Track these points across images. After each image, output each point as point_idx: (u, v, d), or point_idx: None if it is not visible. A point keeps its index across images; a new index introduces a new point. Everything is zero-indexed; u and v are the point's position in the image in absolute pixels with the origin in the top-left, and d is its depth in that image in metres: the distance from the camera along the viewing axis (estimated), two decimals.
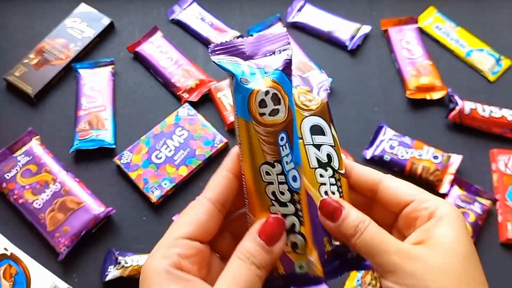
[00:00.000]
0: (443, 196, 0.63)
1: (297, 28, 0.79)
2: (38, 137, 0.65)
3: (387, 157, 0.65)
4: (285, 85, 0.23)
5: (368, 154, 0.66)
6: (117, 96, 0.71)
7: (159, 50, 0.74)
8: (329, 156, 0.27)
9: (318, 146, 0.27)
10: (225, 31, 0.76)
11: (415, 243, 0.25)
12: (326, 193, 0.26)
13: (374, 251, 0.24)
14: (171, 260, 0.23)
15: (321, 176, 0.26)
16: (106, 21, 0.76)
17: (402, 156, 0.65)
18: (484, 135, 0.69)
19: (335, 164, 0.27)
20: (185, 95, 0.70)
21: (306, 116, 0.27)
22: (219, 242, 0.26)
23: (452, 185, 0.63)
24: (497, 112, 0.67)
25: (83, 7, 0.77)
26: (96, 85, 0.70)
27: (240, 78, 0.22)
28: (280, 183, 0.23)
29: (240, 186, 0.25)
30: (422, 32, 0.78)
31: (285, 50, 0.23)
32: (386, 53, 0.77)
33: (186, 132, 0.66)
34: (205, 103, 0.71)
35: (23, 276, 0.56)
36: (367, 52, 0.77)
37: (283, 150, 0.23)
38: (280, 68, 0.23)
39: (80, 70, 0.71)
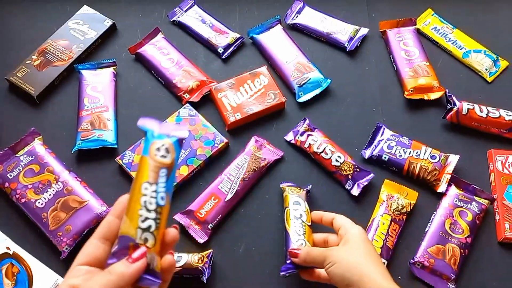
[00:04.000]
0: (441, 195, 0.64)
1: (296, 30, 0.80)
2: (40, 137, 0.66)
3: (385, 157, 0.66)
4: (176, 147, 0.35)
5: (367, 154, 0.67)
6: (119, 97, 0.72)
7: (160, 51, 0.75)
8: (300, 215, 0.58)
9: (295, 210, 0.58)
10: (225, 33, 0.77)
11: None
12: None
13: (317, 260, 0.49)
14: (67, 282, 0.33)
15: (294, 225, 0.57)
16: (108, 22, 0.77)
17: (400, 156, 0.65)
18: (482, 135, 0.69)
19: (304, 219, 0.58)
20: (186, 96, 0.71)
21: (292, 194, 0.60)
22: None
23: (449, 185, 0.64)
24: (494, 113, 0.68)
25: (85, 9, 0.78)
26: (98, 86, 0.71)
27: (152, 133, 0.35)
28: (151, 197, 0.34)
29: (117, 219, 0.35)
30: (420, 33, 0.79)
31: (184, 132, 0.36)
32: (384, 54, 0.77)
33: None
34: (206, 103, 0.72)
35: (25, 275, 0.57)
36: (365, 54, 0.77)
37: (160, 178, 0.34)
38: (176, 138, 0.35)
39: (82, 71, 0.72)
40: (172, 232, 0.35)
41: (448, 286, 0.57)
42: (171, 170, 0.35)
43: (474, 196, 0.63)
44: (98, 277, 0.32)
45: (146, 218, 0.33)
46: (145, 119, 0.36)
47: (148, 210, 0.33)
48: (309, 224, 0.57)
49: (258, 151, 0.66)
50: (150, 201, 0.33)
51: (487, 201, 0.63)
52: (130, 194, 0.34)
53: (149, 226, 0.33)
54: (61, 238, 0.58)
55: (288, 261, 0.56)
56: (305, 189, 0.61)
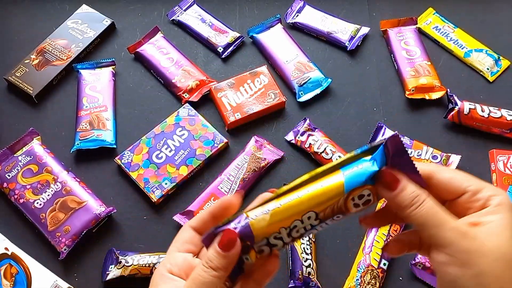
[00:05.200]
0: None
1: (297, 29, 0.79)
2: (39, 137, 0.65)
3: None
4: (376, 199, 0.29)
5: None
6: (118, 97, 0.72)
7: (159, 50, 0.74)
8: None
9: None
10: (225, 32, 0.76)
11: (469, 224, 0.27)
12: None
13: (430, 224, 0.27)
14: (165, 267, 0.31)
15: (302, 241, 0.57)
16: (107, 22, 0.77)
17: None
18: (483, 135, 0.69)
19: (311, 235, 0.52)
20: (186, 95, 0.70)
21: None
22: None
23: None
24: (496, 112, 0.68)
25: (84, 8, 0.78)
26: (97, 86, 0.71)
27: (372, 176, 0.27)
28: (304, 228, 0.28)
29: (213, 220, 0.32)
30: (421, 32, 0.79)
31: None
32: (385, 54, 0.77)
33: (186, 132, 0.66)
34: (206, 103, 0.71)
35: (24, 276, 0.56)
36: (366, 53, 0.77)
37: (330, 221, 0.28)
38: None
39: (81, 71, 0.72)
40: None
41: None
42: (343, 218, 0.29)
43: None
44: (196, 273, 0.29)
45: (280, 238, 0.29)
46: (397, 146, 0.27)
47: (289, 235, 0.28)
48: (314, 240, 0.59)
49: (258, 151, 0.65)
50: (298, 230, 0.28)
51: None
52: (289, 201, 0.28)
53: (276, 245, 0.29)
54: (60, 238, 0.57)
55: (291, 282, 0.56)
56: None
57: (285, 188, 0.29)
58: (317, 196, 0.28)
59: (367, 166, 0.28)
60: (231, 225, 0.29)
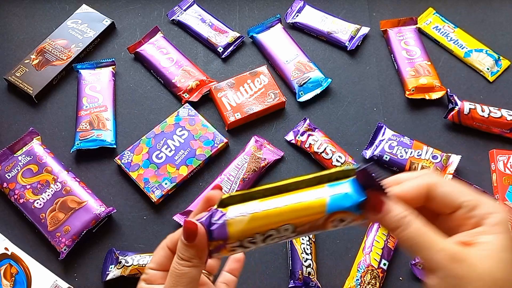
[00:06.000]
0: None
1: (297, 29, 0.79)
2: (39, 137, 0.65)
3: (386, 157, 0.65)
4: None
5: (368, 154, 0.67)
6: (118, 97, 0.72)
7: (159, 50, 0.74)
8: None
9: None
10: (225, 32, 0.76)
11: (460, 243, 0.26)
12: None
13: (418, 246, 0.26)
14: (142, 282, 0.32)
15: (302, 241, 0.57)
16: (107, 22, 0.77)
17: (402, 156, 0.65)
18: (483, 135, 0.69)
19: (310, 235, 0.52)
20: (186, 96, 0.70)
21: None
22: None
23: None
24: (496, 112, 0.68)
25: (84, 8, 0.78)
26: (97, 86, 0.71)
27: (356, 204, 0.27)
28: (277, 236, 0.28)
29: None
30: (421, 32, 0.79)
31: None
32: (385, 54, 0.77)
33: (186, 132, 0.66)
34: (206, 103, 0.71)
35: (24, 276, 0.56)
36: (366, 53, 0.77)
37: (302, 236, 0.30)
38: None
39: (81, 71, 0.72)
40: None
41: None
42: (319, 233, 0.30)
43: None
44: (172, 267, 0.30)
45: (254, 243, 0.28)
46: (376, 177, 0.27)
47: (263, 241, 0.28)
48: (314, 240, 0.59)
49: (258, 151, 0.65)
50: (273, 238, 0.28)
51: None
52: (268, 208, 0.28)
53: (248, 247, 0.29)
54: (60, 238, 0.57)
55: (291, 282, 0.56)
56: None
57: (270, 185, 0.29)
58: (298, 210, 0.27)
59: (353, 192, 0.27)
60: (212, 220, 0.28)
